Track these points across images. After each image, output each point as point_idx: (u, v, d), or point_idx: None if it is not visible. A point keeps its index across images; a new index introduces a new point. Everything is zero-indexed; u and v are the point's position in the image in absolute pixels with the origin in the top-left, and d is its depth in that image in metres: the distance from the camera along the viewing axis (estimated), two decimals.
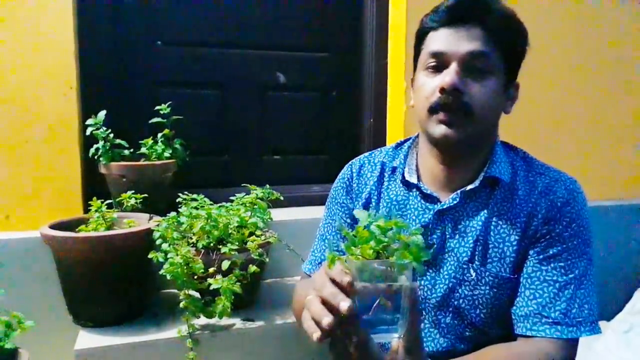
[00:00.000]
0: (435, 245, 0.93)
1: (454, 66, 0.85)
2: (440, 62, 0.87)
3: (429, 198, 0.95)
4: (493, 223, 0.90)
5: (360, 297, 0.65)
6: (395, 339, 0.68)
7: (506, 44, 0.87)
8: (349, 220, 1.04)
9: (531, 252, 0.88)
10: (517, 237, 0.89)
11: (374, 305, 0.64)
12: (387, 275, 0.64)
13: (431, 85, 0.88)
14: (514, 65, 0.91)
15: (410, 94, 0.99)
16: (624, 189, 2.09)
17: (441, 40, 0.87)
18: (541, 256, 0.87)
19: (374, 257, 0.65)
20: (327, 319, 0.66)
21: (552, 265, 0.87)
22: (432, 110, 0.87)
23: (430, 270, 0.94)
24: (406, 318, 0.66)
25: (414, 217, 0.96)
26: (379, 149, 1.09)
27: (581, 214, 0.89)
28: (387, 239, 0.65)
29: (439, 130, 0.87)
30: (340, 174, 1.10)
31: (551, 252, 0.87)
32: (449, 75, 0.84)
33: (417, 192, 0.96)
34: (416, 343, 0.69)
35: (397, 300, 0.64)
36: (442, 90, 0.85)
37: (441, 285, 0.92)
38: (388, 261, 0.64)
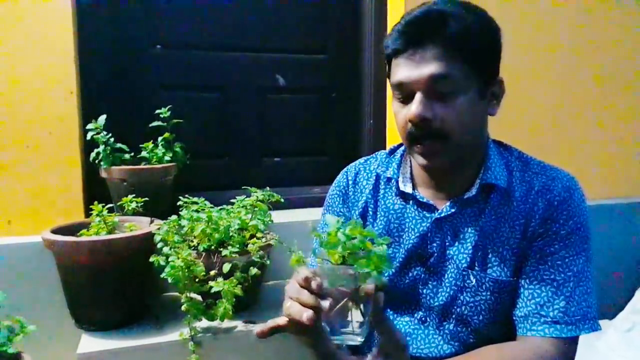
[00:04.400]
0: (436, 254, 0.93)
1: (417, 96, 0.82)
2: (405, 93, 0.85)
3: (426, 206, 0.94)
4: (491, 228, 0.90)
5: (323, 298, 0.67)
6: (357, 343, 0.69)
7: (471, 53, 0.82)
8: None
9: (529, 251, 0.88)
10: (516, 240, 0.88)
11: (336, 308, 0.66)
12: (352, 281, 0.66)
13: (402, 115, 0.87)
14: (488, 67, 0.86)
15: None
16: (626, 187, 2.09)
17: (401, 69, 0.84)
18: (539, 255, 0.87)
19: (340, 263, 0.66)
20: (306, 314, 0.68)
21: (549, 263, 0.86)
22: (409, 140, 0.87)
23: (432, 279, 0.94)
24: (367, 323, 0.67)
25: (412, 226, 0.95)
26: (373, 155, 1.07)
27: (578, 211, 0.88)
28: (351, 246, 0.67)
29: (420, 160, 0.88)
30: (335, 182, 1.08)
31: (549, 251, 0.86)
32: (413, 106, 0.82)
33: (413, 201, 0.96)
34: (395, 347, 0.71)
35: (361, 305, 0.67)
36: (411, 122, 0.84)
37: (443, 293, 0.92)
38: (349, 267, 0.65)
